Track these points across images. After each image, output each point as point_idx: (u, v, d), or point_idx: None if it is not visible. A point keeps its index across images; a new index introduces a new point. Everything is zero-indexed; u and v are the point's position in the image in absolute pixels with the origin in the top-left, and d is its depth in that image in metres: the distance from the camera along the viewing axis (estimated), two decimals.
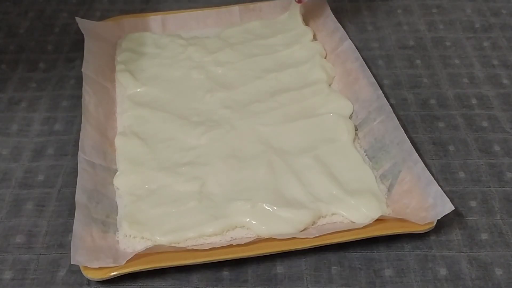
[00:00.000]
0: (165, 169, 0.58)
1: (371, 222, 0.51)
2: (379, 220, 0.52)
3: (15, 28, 0.79)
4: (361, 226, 0.51)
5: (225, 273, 0.51)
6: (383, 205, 0.55)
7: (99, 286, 0.50)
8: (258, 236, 0.52)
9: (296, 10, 0.77)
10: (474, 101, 0.68)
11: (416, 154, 0.56)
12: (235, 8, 0.79)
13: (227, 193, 0.56)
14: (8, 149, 0.62)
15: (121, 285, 0.49)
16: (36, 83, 0.71)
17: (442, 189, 0.52)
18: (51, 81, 0.71)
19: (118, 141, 0.61)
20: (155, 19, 0.77)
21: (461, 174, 0.59)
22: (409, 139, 0.58)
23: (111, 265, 0.49)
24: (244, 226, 0.53)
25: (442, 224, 0.53)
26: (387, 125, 0.60)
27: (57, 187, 0.58)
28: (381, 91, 0.63)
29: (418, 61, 0.74)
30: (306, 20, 0.78)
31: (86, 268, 0.48)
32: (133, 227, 0.53)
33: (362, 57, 0.68)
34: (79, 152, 0.56)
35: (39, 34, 0.78)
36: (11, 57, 0.74)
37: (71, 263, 0.47)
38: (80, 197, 0.53)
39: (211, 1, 0.82)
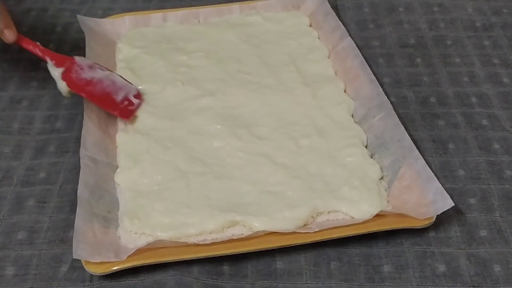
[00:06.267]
0: (166, 166, 0.58)
1: (371, 217, 0.52)
2: (379, 215, 0.52)
3: (17, 26, 0.79)
4: (360, 222, 0.52)
5: (225, 267, 0.51)
6: (383, 200, 0.55)
7: (101, 281, 0.50)
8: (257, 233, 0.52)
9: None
10: (474, 99, 0.68)
11: (417, 150, 0.56)
12: (236, 6, 0.79)
13: (229, 191, 0.56)
14: (10, 147, 0.62)
15: (122, 280, 0.50)
16: (38, 81, 0.71)
17: (441, 186, 0.53)
18: (53, 79, 0.70)
19: (119, 138, 0.62)
20: (156, 17, 0.78)
21: (461, 172, 0.59)
22: (409, 137, 0.58)
23: (113, 259, 0.49)
24: (244, 223, 0.53)
25: (441, 221, 0.54)
26: (387, 122, 0.60)
27: (58, 184, 0.58)
28: (381, 89, 0.63)
29: (418, 60, 0.74)
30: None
31: (88, 262, 0.49)
32: (134, 223, 0.53)
33: (363, 55, 0.69)
34: (81, 149, 0.57)
35: (41, 33, 0.78)
36: (13, 56, 0.74)
37: (73, 257, 0.48)
38: (82, 192, 0.53)
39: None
